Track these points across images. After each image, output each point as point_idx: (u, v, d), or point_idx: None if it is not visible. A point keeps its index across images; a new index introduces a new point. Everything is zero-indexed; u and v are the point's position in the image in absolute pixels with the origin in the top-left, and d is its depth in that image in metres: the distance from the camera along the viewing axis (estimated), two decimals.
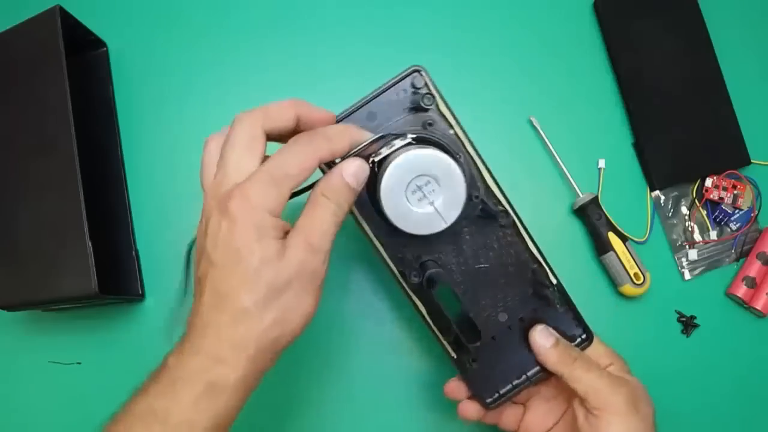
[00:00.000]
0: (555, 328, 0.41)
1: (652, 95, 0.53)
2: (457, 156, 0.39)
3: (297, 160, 0.32)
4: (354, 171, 0.33)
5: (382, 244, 0.40)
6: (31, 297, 0.46)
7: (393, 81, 0.39)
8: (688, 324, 0.52)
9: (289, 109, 0.33)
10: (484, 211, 0.41)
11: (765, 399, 0.51)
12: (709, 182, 0.53)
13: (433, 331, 0.41)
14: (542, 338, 0.40)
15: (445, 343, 0.41)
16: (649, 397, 0.40)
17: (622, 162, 0.54)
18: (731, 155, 0.53)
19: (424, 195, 0.36)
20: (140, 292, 0.51)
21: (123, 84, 0.54)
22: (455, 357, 0.41)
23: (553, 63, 0.55)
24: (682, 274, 0.53)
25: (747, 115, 0.53)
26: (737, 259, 0.53)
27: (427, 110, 0.39)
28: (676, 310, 0.52)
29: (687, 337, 0.52)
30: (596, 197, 0.52)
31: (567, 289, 0.42)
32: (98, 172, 0.48)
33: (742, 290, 0.52)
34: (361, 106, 0.39)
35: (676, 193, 0.54)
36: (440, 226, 0.37)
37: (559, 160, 0.52)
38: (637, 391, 0.39)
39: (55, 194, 0.46)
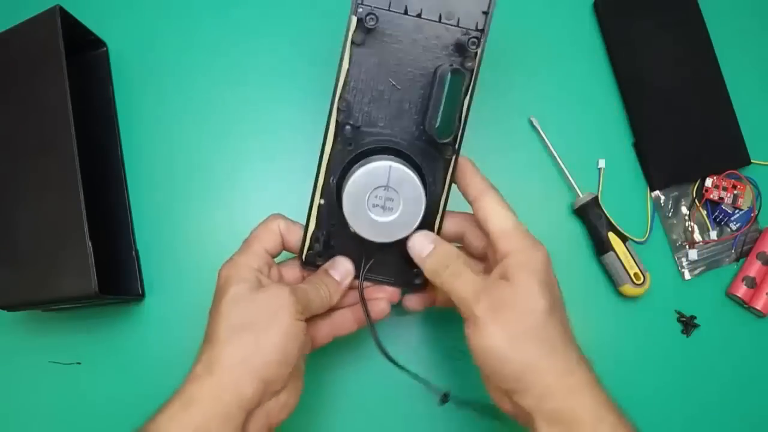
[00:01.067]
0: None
1: (652, 95, 0.53)
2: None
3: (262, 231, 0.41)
4: (340, 269, 0.41)
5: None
6: (31, 297, 0.46)
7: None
8: (688, 324, 0.52)
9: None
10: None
11: (765, 399, 0.51)
12: (709, 182, 0.53)
13: None
14: (418, 245, 0.40)
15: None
16: (538, 298, 0.36)
17: (622, 162, 0.54)
18: (731, 155, 0.53)
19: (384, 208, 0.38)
20: (140, 292, 0.51)
21: (123, 84, 0.54)
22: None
23: (553, 63, 0.55)
24: (682, 274, 0.53)
25: (747, 115, 0.53)
26: (737, 259, 0.53)
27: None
28: (676, 311, 0.52)
29: (687, 337, 0.52)
30: (596, 197, 0.52)
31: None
32: (98, 172, 0.48)
33: (742, 290, 0.52)
34: None
35: (676, 193, 0.54)
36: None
37: (559, 160, 0.52)
38: (505, 298, 0.36)
39: (55, 194, 0.46)
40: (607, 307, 0.52)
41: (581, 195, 0.52)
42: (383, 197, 0.38)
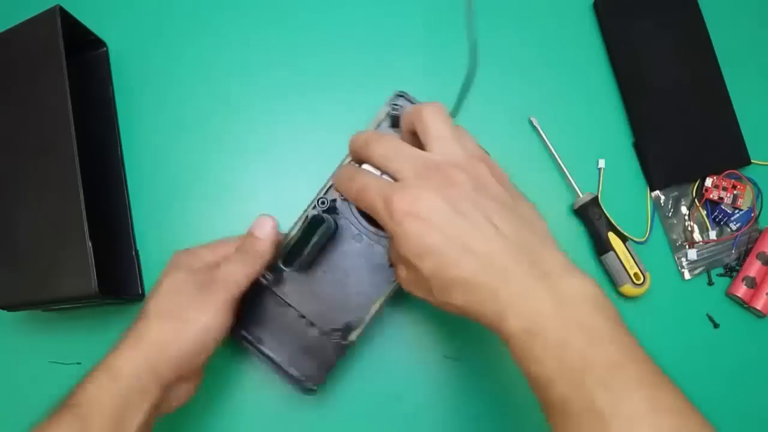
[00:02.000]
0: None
1: (652, 95, 0.53)
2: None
3: (240, 274, 0.42)
4: (264, 226, 0.43)
5: None
6: (31, 297, 0.46)
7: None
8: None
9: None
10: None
11: (765, 399, 0.51)
12: (709, 182, 0.53)
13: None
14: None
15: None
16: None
17: (622, 162, 0.54)
18: (731, 155, 0.53)
19: None
20: (140, 292, 0.51)
21: (123, 84, 0.54)
22: None
23: (553, 63, 0.55)
24: (682, 274, 0.53)
25: (747, 115, 0.53)
26: (737, 259, 0.53)
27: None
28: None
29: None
30: (596, 197, 0.52)
31: None
32: (98, 172, 0.48)
33: (742, 290, 0.52)
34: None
35: (676, 193, 0.54)
36: None
37: (559, 160, 0.52)
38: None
39: (55, 194, 0.46)
40: None
41: (581, 195, 0.52)
42: None
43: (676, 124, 0.53)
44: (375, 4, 0.55)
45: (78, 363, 0.51)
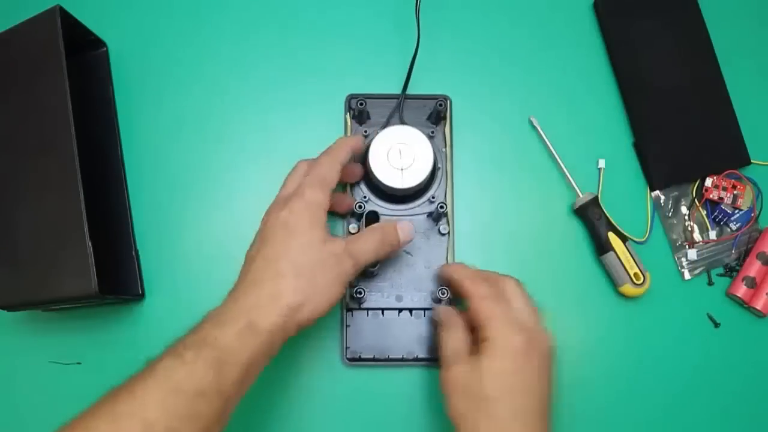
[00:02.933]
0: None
1: (652, 95, 0.53)
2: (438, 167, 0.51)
3: (327, 168, 0.43)
4: (406, 231, 0.45)
5: None
6: (31, 297, 0.46)
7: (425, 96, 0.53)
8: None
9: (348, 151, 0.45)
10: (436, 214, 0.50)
11: (765, 399, 0.51)
12: (709, 182, 0.53)
13: None
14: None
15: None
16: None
17: (622, 162, 0.54)
18: (731, 155, 0.53)
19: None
20: (140, 292, 0.51)
21: (123, 84, 0.54)
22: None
23: (553, 63, 0.55)
24: (682, 274, 0.53)
25: (747, 115, 0.53)
26: (737, 259, 0.53)
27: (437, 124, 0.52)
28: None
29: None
30: (596, 197, 0.52)
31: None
32: (98, 172, 0.48)
33: (742, 290, 0.52)
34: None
35: (676, 193, 0.54)
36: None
37: (559, 160, 0.52)
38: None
39: (55, 194, 0.46)
40: (607, 307, 0.52)
41: (581, 195, 0.52)
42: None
43: (676, 124, 0.53)
44: (376, 3, 0.56)
45: (78, 363, 0.51)
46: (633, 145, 0.54)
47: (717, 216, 0.53)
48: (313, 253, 0.40)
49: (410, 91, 0.51)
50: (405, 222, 0.45)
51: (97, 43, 0.54)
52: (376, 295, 0.50)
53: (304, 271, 0.39)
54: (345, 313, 0.50)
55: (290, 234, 0.40)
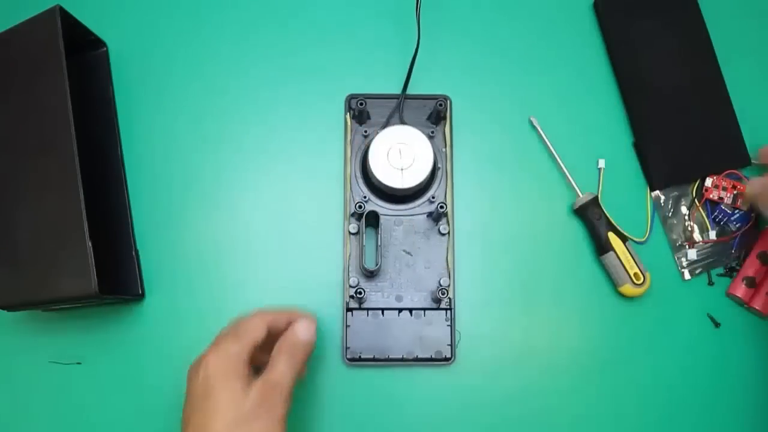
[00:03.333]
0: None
1: (652, 95, 0.53)
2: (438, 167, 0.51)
3: (252, 322, 0.42)
4: (304, 329, 0.43)
5: None
6: (31, 297, 0.46)
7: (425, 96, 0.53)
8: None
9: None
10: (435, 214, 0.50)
11: (765, 399, 0.51)
12: (708, 182, 0.53)
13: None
14: None
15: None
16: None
17: (622, 162, 0.54)
18: (731, 155, 0.53)
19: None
20: (140, 292, 0.51)
21: (123, 84, 0.54)
22: None
23: (553, 63, 0.55)
24: (682, 274, 0.53)
25: (747, 115, 0.53)
26: (737, 259, 0.53)
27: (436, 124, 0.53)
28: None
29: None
30: (596, 197, 0.52)
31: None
32: (98, 172, 0.48)
33: (742, 290, 0.52)
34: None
35: (676, 193, 0.54)
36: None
37: (559, 160, 0.52)
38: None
39: (55, 194, 0.46)
40: (607, 307, 0.52)
41: (581, 195, 0.52)
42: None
43: (676, 124, 0.53)
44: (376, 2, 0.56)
45: (78, 363, 0.51)
46: (633, 145, 0.54)
47: (717, 216, 0.53)
48: (239, 409, 0.39)
49: (410, 91, 0.52)
50: (301, 320, 0.43)
51: (97, 43, 0.54)
52: (376, 295, 0.50)
53: (237, 422, 0.38)
54: (345, 313, 0.50)
55: (210, 395, 0.39)
